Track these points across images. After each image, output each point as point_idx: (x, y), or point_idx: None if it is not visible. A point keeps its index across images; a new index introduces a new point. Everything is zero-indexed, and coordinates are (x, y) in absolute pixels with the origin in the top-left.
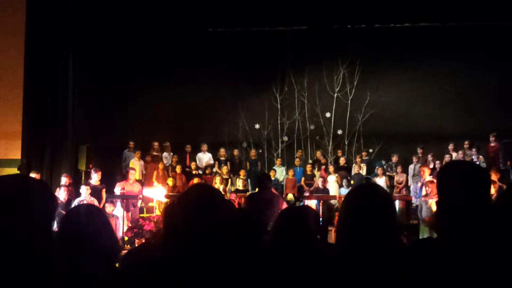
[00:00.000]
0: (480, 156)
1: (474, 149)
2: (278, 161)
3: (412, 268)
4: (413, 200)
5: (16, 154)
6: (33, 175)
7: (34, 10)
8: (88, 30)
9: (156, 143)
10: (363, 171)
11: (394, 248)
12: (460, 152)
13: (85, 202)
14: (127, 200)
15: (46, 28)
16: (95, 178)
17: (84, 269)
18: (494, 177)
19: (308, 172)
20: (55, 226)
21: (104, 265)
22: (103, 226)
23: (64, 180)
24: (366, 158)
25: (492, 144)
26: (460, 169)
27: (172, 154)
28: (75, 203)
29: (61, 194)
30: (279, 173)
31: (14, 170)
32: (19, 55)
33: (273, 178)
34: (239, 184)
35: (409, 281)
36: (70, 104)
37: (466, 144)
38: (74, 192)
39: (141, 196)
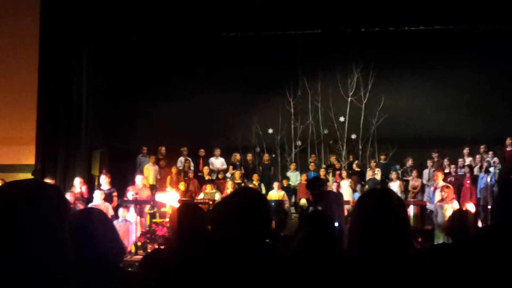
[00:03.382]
0: (496, 160)
1: (490, 153)
2: (292, 166)
3: (425, 274)
4: (427, 205)
5: (30, 160)
6: (47, 180)
7: (48, 17)
8: (101, 36)
9: (163, 148)
10: (378, 176)
11: (406, 253)
12: (477, 156)
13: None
14: (141, 205)
15: (59, 35)
16: (104, 182)
17: (88, 273)
18: None
19: (322, 177)
20: None
21: (108, 268)
22: (106, 229)
23: (77, 181)
24: (384, 162)
25: (509, 149)
26: None
27: (187, 158)
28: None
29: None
30: (293, 177)
31: (28, 176)
32: (33, 61)
33: (285, 185)
34: None
35: (420, 287)
36: (83, 110)
37: (482, 148)
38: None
39: (151, 201)
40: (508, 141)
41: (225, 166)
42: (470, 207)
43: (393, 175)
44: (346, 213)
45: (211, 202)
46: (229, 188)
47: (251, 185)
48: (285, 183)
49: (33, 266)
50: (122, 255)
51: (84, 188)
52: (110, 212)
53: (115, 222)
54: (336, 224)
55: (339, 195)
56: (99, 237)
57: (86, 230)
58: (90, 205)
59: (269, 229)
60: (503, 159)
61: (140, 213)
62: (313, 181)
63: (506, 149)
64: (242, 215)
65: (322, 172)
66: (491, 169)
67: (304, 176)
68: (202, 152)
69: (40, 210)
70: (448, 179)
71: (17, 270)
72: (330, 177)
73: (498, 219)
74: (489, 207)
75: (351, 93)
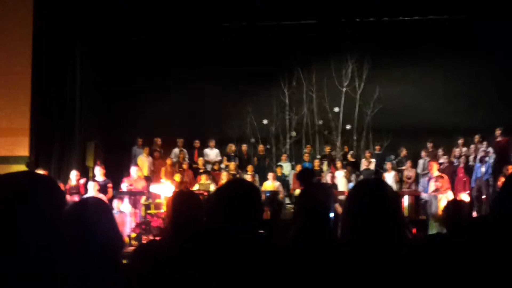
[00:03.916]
0: (490, 150)
1: (485, 143)
2: (283, 157)
3: (419, 264)
4: (422, 195)
5: (24, 151)
6: (40, 172)
7: (41, 7)
8: (96, 28)
9: (159, 140)
10: (372, 166)
11: (400, 243)
12: (472, 146)
13: None
14: (135, 196)
15: (53, 26)
16: (99, 173)
17: (87, 264)
18: None
19: (316, 168)
20: None
21: (107, 261)
22: (107, 221)
23: (73, 174)
24: (379, 152)
25: (499, 139)
26: None
27: (182, 150)
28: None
29: None
30: (285, 168)
31: (22, 167)
32: (27, 51)
33: (279, 174)
34: (247, 179)
35: (413, 278)
36: (77, 101)
37: (476, 138)
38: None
39: (146, 192)
40: (497, 131)
41: (219, 157)
42: (464, 197)
43: (388, 165)
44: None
45: (206, 193)
46: (224, 180)
47: (246, 176)
48: (278, 171)
49: (27, 259)
50: (121, 247)
51: (82, 181)
52: None
53: None
54: (332, 214)
55: (330, 186)
56: (97, 229)
57: (83, 221)
58: (84, 197)
59: (260, 220)
60: (493, 149)
61: (134, 204)
62: (302, 172)
63: (496, 139)
64: (233, 206)
65: (316, 162)
66: (487, 159)
67: (299, 167)
68: (197, 143)
69: (35, 202)
70: (441, 168)
71: (12, 263)
72: (325, 168)
73: (497, 212)
74: (483, 197)
75: (346, 84)
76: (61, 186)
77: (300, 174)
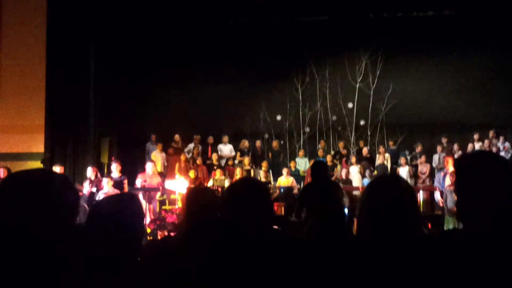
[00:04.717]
0: (507, 145)
1: (501, 138)
2: (301, 152)
3: (435, 260)
4: (435, 196)
5: (39, 148)
6: (56, 168)
7: (55, 4)
8: (109, 22)
9: (177, 136)
10: (388, 162)
11: (416, 240)
12: (486, 141)
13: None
14: (149, 192)
15: (67, 22)
16: (115, 170)
17: (101, 260)
18: None
19: (329, 163)
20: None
21: (128, 257)
22: (135, 218)
23: (90, 171)
24: (394, 147)
25: None
26: (482, 160)
27: (196, 145)
28: (99, 195)
29: (85, 187)
30: (302, 164)
31: (37, 164)
32: (41, 49)
33: (293, 169)
34: (261, 175)
35: (430, 273)
36: (92, 97)
37: (491, 133)
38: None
39: (160, 188)
40: None
41: (233, 153)
42: None
43: (402, 160)
44: (352, 199)
45: (220, 189)
46: (238, 175)
47: (260, 172)
48: (292, 166)
49: (41, 256)
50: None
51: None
52: None
53: None
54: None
55: (334, 183)
56: (124, 225)
57: (110, 217)
58: (100, 192)
59: (272, 217)
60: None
61: (149, 200)
62: (314, 164)
63: None
64: (244, 203)
65: (329, 158)
66: (502, 153)
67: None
68: (210, 139)
69: (48, 200)
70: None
71: (25, 260)
72: (339, 163)
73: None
74: None
75: (360, 79)
76: (90, 183)
77: (313, 166)
